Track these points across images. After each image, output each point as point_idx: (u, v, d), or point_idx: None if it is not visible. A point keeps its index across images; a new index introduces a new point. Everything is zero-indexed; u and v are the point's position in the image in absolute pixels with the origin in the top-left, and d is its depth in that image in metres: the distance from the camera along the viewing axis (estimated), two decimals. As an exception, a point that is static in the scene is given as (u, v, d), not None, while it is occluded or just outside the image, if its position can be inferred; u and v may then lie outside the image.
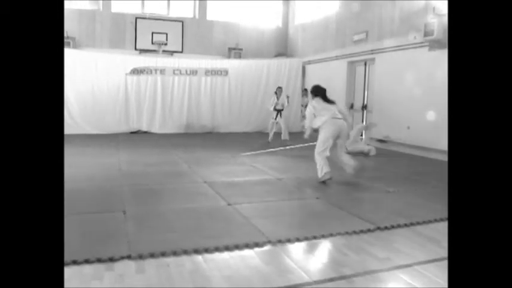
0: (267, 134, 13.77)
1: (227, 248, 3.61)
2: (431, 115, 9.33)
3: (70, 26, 14.39)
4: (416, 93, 9.93)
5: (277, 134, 13.58)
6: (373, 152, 9.48)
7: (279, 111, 11.65)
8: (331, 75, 13.99)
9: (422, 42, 9.68)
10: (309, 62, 15.42)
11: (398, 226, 4.34)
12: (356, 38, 12.70)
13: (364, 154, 9.43)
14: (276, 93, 11.67)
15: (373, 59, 12.02)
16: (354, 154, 9.43)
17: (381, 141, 11.15)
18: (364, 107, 12.77)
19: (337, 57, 13.61)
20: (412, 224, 4.39)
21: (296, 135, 13.37)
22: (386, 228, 4.27)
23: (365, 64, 12.67)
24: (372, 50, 11.89)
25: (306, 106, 14.91)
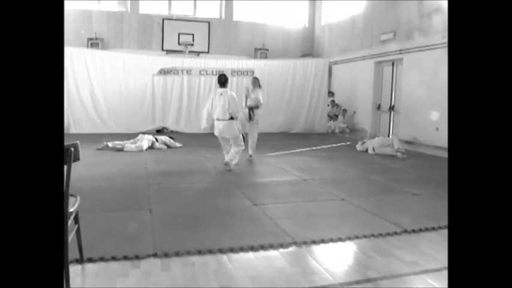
0: (294, 135, 13.71)
1: (252, 248, 3.61)
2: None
3: (99, 28, 14.69)
4: (445, 94, 9.73)
5: (302, 135, 13.53)
6: (400, 155, 9.29)
7: (250, 110, 8.59)
8: (358, 75, 13.88)
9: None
10: (336, 62, 15.32)
11: (426, 229, 4.26)
12: (383, 37, 12.56)
13: (395, 157, 9.30)
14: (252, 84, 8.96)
15: (400, 59, 11.86)
16: (382, 156, 9.34)
17: (408, 142, 10.98)
18: (391, 107, 12.61)
19: (364, 58, 13.48)
20: (440, 228, 4.30)
21: (322, 136, 13.30)
22: (413, 231, 4.19)
23: (392, 64, 12.51)
24: (399, 50, 11.74)
25: (335, 105, 14.93)
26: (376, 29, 13.00)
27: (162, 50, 15.17)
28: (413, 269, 3.30)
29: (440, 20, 10.10)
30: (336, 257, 3.60)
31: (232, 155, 7.35)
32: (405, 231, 4.18)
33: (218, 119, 7.14)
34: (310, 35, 17.36)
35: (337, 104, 14.98)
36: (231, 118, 7.10)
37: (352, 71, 14.23)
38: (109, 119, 12.56)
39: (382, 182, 6.63)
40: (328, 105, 14.92)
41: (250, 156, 8.38)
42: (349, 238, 3.95)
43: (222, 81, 7.29)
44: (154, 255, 3.40)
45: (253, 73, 13.87)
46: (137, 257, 3.34)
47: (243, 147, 7.50)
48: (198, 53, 15.24)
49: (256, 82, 8.91)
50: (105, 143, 9.23)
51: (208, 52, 15.47)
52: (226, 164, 7.22)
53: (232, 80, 13.66)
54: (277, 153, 9.45)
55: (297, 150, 9.96)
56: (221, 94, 7.14)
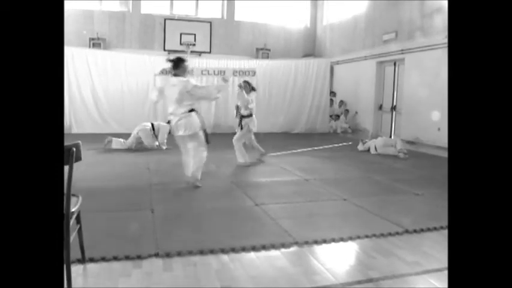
0: (295, 135, 13.72)
1: (254, 248, 3.61)
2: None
3: (100, 28, 14.69)
4: (446, 94, 9.70)
5: (304, 135, 13.51)
6: (402, 156, 9.29)
7: (242, 118, 7.86)
8: (359, 75, 13.86)
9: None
10: (337, 62, 15.30)
11: (428, 230, 4.25)
12: (385, 37, 12.54)
13: (397, 157, 9.30)
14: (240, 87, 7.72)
15: (402, 59, 11.84)
16: (384, 156, 9.34)
17: (410, 142, 10.97)
18: (393, 107, 12.59)
19: (366, 58, 13.45)
20: (441, 228, 4.29)
21: (324, 136, 13.29)
22: (415, 231, 4.19)
23: (394, 64, 12.48)
24: (401, 50, 11.71)
25: (341, 104, 14.89)
26: (378, 29, 12.98)
27: (164, 50, 15.15)
28: (415, 269, 3.30)
29: (442, 20, 10.08)
30: (338, 257, 3.59)
31: (194, 164, 5.71)
32: (407, 231, 4.18)
33: (172, 113, 5.81)
34: (312, 35, 17.33)
35: (344, 104, 14.97)
36: (191, 110, 5.69)
37: (354, 71, 14.20)
38: (111, 118, 12.57)
39: (384, 182, 6.63)
40: (332, 105, 14.91)
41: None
42: (351, 238, 3.95)
43: (176, 66, 6.03)
44: (156, 255, 3.40)
45: (254, 73, 13.88)
46: (139, 257, 3.34)
47: (206, 152, 5.90)
48: (199, 53, 15.23)
49: (247, 86, 7.77)
50: (109, 138, 9.32)
51: (210, 52, 15.45)
52: (189, 180, 5.80)
53: (234, 80, 13.68)
54: (278, 153, 9.45)
55: (299, 150, 9.96)
56: (174, 85, 5.74)
